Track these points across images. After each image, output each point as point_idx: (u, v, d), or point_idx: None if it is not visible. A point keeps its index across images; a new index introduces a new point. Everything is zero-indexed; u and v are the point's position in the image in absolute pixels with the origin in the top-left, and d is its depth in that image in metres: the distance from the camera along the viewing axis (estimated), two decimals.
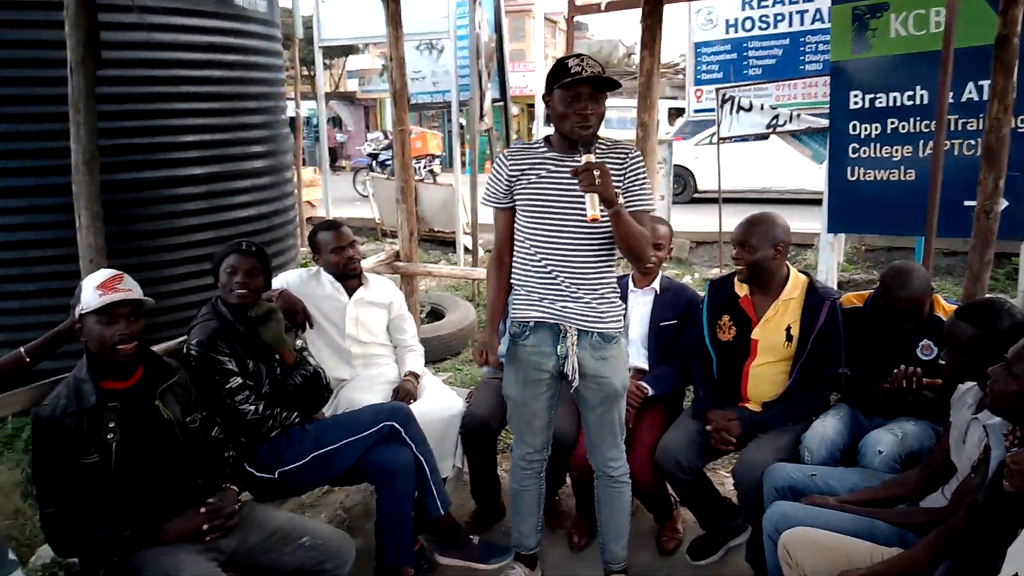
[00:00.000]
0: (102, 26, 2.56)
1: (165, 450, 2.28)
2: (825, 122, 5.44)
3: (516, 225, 2.54)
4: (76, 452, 2.13)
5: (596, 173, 2.20)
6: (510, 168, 2.51)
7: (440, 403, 3.12)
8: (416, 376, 3.27)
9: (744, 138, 6.58)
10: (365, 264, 3.98)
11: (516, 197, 2.51)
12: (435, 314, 5.88)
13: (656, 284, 3.20)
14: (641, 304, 3.21)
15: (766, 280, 2.83)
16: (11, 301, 4.15)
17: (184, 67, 4.25)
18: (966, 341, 2.18)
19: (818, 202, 5.54)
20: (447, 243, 9.68)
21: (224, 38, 4.44)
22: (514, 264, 2.59)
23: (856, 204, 5.30)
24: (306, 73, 28.93)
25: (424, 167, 13.99)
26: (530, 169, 2.48)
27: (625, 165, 2.44)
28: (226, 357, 2.61)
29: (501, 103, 8.20)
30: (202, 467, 2.39)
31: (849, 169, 5.25)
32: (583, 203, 2.28)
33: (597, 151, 2.38)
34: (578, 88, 2.31)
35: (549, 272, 2.48)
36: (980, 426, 2.12)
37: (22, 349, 2.32)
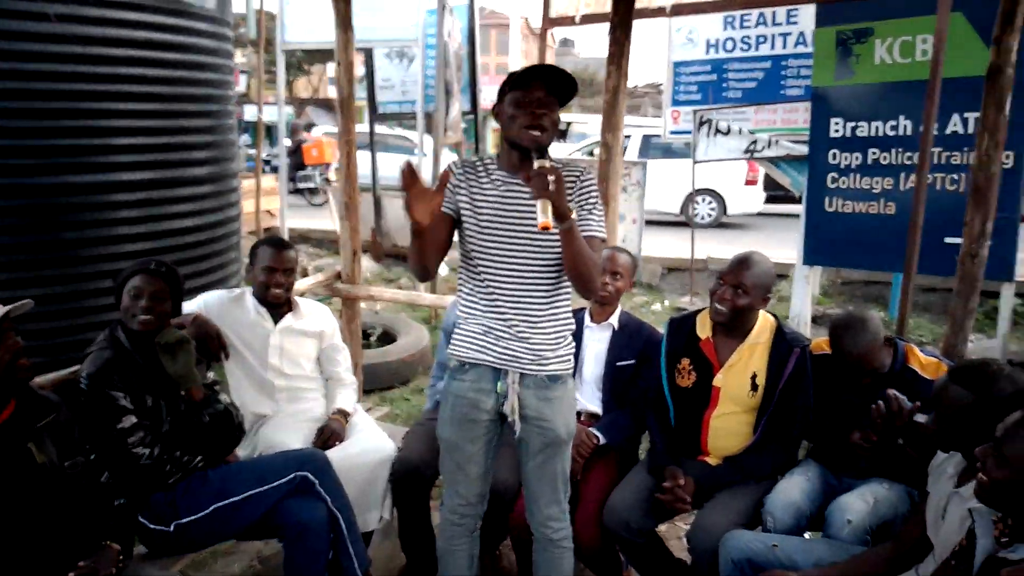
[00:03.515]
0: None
1: (36, 500, 1.97)
2: (805, 149, 5.23)
3: (463, 248, 2.29)
4: None
5: (550, 178, 1.97)
6: (456, 177, 2.27)
7: (369, 446, 2.81)
8: (345, 414, 2.96)
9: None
10: (303, 284, 3.69)
11: (461, 213, 2.26)
12: (387, 337, 5.55)
13: (614, 319, 2.93)
14: (597, 341, 2.94)
15: (738, 325, 2.57)
16: None
17: (119, 64, 3.92)
18: (958, 408, 1.92)
19: None
20: None
21: (165, 35, 4.12)
22: (460, 293, 2.34)
23: (833, 236, 5.10)
24: (290, 78, 28.68)
25: (320, 175, 13.59)
26: (477, 181, 2.25)
27: (576, 187, 2.23)
28: (120, 392, 2.31)
29: (472, 115, 7.93)
30: (81, 519, 2.07)
31: (827, 199, 5.06)
32: (532, 219, 2.04)
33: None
34: (531, 90, 2.12)
35: (495, 303, 2.24)
36: (963, 504, 1.86)
37: None
